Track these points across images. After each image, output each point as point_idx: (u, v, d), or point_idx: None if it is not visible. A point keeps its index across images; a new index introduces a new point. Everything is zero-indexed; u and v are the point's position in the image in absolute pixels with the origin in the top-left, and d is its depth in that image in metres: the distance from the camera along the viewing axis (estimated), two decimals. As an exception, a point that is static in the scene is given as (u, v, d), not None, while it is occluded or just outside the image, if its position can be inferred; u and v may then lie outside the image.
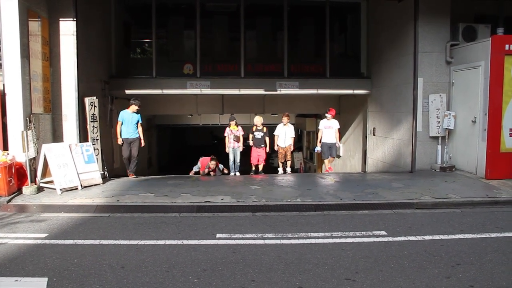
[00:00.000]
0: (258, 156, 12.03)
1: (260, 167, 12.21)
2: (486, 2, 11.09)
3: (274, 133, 12.04)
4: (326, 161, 12.36)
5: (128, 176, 10.30)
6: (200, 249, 5.44)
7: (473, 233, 6.08)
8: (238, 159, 11.92)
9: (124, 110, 10.31)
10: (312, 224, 6.58)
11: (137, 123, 10.28)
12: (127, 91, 13.22)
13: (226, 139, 11.89)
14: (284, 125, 12.04)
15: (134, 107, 10.20)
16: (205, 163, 11.73)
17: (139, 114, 10.32)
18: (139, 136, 10.37)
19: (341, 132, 17.10)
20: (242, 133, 11.93)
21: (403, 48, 11.23)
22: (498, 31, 9.78)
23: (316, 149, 12.71)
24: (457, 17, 10.58)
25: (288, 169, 12.29)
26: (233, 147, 11.85)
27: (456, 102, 10.46)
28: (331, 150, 12.14)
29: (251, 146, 12.20)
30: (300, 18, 15.13)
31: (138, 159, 10.52)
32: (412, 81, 10.62)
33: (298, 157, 22.86)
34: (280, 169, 12.27)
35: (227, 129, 11.82)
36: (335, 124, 12.02)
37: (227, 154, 11.83)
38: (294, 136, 12.26)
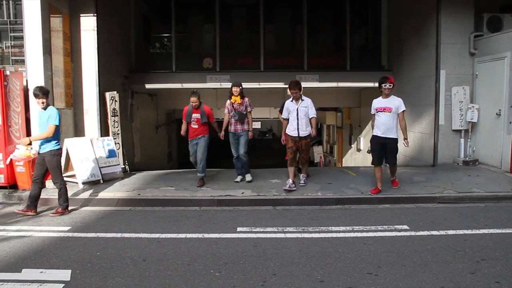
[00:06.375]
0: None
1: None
2: (512, -9, 10.80)
3: (282, 116, 8.22)
4: (376, 171, 7.70)
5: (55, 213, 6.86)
6: (221, 243, 5.44)
7: (498, 228, 5.95)
8: (242, 151, 8.42)
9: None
10: (333, 218, 6.53)
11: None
12: (147, 86, 13.35)
13: (225, 117, 8.56)
14: (294, 100, 7.96)
15: (37, 101, 6.75)
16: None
17: (49, 110, 6.81)
18: (52, 149, 6.82)
19: (362, 126, 17.05)
20: (250, 109, 8.49)
21: (425, 40, 11.03)
22: (525, 21, 9.55)
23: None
24: (482, 7, 10.32)
25: (302, 178, 8.26)
26: (234, 131, 8.52)
27: (479, 95, 10.24)
28: (385, 151, 7.56)
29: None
30: (320, 10, 14.96)
31: (63, 183, 6.98)
32: (434, 73, 10.44)
33: (318, 151, 22.76)
34: (290, 179, 7.93)
35: (227, 102, 8.49)
36: (395, 104, 7.46)
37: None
38: (314, 116, 8.00)
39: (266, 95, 15.34)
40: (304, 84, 13.50)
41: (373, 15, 15.04)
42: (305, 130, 7.93)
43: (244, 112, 8.40)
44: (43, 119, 6.79)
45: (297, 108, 7.88)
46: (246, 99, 8.46)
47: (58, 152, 6.92)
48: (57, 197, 6.97)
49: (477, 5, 10.29)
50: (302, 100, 7.93)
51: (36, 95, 6.68)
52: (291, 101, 7.98)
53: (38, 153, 6.94)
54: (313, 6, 14.19)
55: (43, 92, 6.71)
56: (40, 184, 6.91)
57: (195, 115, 8.18)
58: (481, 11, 10.26)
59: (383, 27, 14.17)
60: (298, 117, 7.87)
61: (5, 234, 5.85)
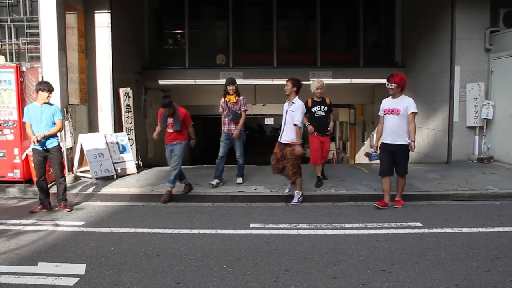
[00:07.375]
0: (321, 146, 7.98)
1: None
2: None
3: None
4: (384, 182, 6.80)
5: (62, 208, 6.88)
6: (234, 239, 5.46)
7: (514, 226, 5.89)
8: (238, 153, 8.11)
9: (31, 104, 6.90)
10: (346, 215, 6.52)
11: (53, 121, 6.72)
12: (161, 82, 13.42)
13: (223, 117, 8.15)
14: (288, 100, 7.12)
15: (43, 95, 6.58)
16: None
17: (55, 105, 6.80)
18: (58, 144, 6.85)
19: (375, 122, 16.90)
20: (244, 108, 8.06)
21: (439, 36, 10.92)
22: (542, 16, 9.39)
23: (372, 155, 6.94)
24: (498, 2, 10.17)
25: (289, 187, 7.37)
26: (227, 132, 8.10)
27: (495, 91, 10.12)
28: (394, 159, 6.66)
29: (311, 133, 8.01)
30: (333, 7, 14.91)
31: (66, 180, 7.09)
32: (448, 69, 10.34)
33: (330, 148, 22.66)
34: (288, 189, 7.32)
35: (221, 100, 8.10)
36: (404, 105, 6.59)
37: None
38: (298, 123, 6.80)
39: (279, 91, 15.30)
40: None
41: (387, 10, 14.93)
42: (289, 137, 6.92)
43: (239, 112, 7.96)
44: (46, 114, 6.62)
45: (286, 111, 7.02)
46: (241, 97, 8.01)
47: (60, 147, 6.99)
48: (70, 192, 7.04)
49: (493, 0, 10.15)
50: (293, 103, 6.94)
51: (43, 90, 6.54)
52: (287, 101, 7.17)
53: (36, 150, 6.68)
54: (326, 2, 14.13)
55: (52, 87, 6.71)
56: (45, 181, 6.91)
57: (170, 120, 7.41)
58: (498, 6, 10.12)
59: (396, 23, 14.07)
60: (285, 121, 7.01)
61: (21, 228, 5.94)
